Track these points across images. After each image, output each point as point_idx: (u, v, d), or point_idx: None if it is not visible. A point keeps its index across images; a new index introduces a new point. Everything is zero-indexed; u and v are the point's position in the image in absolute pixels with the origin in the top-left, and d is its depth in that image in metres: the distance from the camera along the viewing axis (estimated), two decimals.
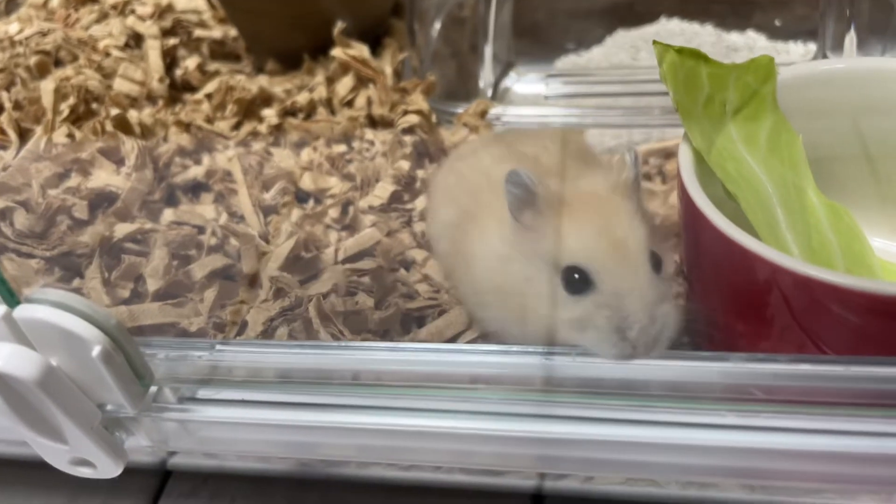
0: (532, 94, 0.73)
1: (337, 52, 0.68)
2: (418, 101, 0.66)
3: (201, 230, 0.59)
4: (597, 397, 0.38)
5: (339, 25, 0.69)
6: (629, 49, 0.84)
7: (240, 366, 0.44)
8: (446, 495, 0.54)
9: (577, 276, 0.40)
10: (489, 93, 0.73)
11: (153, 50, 0.73)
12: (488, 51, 0.72)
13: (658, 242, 0.42)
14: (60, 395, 0.38)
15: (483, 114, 0.66)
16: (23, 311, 0.37)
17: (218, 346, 0.44)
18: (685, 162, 0.45)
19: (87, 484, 0.58)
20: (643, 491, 0.52)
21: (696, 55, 0.47)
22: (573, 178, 0.47)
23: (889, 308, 0.36)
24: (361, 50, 0.70)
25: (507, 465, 0.46)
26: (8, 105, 0.73)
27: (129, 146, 0.61)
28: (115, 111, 0.65)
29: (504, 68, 0.75)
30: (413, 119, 0.62)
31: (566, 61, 0.84)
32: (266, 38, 0.77)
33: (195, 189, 0.64)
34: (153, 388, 0.41)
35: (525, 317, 0.43)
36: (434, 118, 0.66)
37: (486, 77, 0.73)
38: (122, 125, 0.64)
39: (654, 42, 0.46)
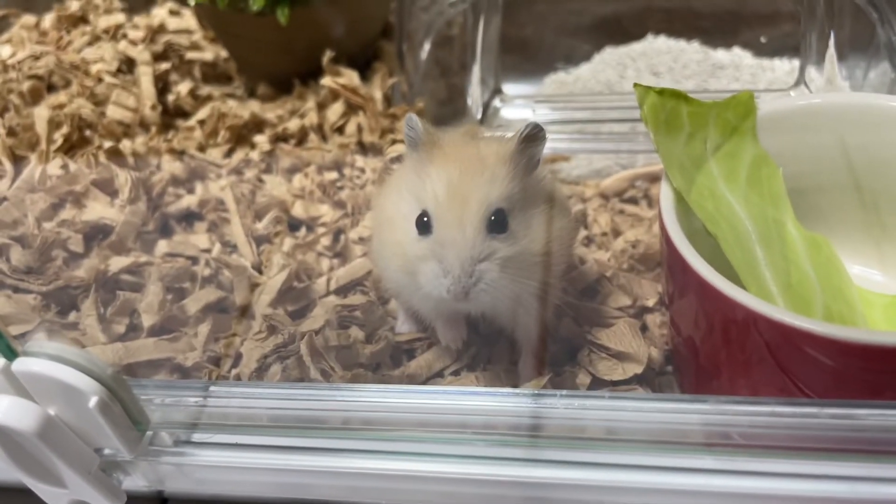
0: (519, 119, 0.74)
1: (326, 80, 0.69)
2: None
3: (195, 261, 0.60)
4: (581, 441, 0.40)
5: (328, 54, 0.70)
6: (616, 66, 0.85)
7: (234, 410, 0.45)
8: None
9: (425, 218, 0.44)
10: (478, 115, 0.74)
11: (145, 76, 0.74)
12: (476, 72, 0.72)
13: (523, 207, 0.44)
14: (59, 443, 0.39)
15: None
16: (21, 365, 0.38)
17: (212, 388, 0.45)
18: (666, 204, 0.46)
19: None
20: None
21: (677, 95, 0.48)
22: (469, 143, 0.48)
23: (862, 353, 0.37)
24: (351, 77, 0.70)
25: None
26: (1, 131, 0.74)
27: (123, 178, 0.61)
28: (108, 142, 0.66)
29: (493, 91, 0.75)
30: (402, 147, 0.63)
31: (554, 79, 0.85)
32: (257, 63, 0.78)
33: (188, 218, 0.65)
34: (149, 433, 0.42)
35: (396, 252, 0.46)
36: None
37: (474, 100, 0.73)
38: (116, 155, 0.64)
39: (636, 85, 0.47)
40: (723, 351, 0.44)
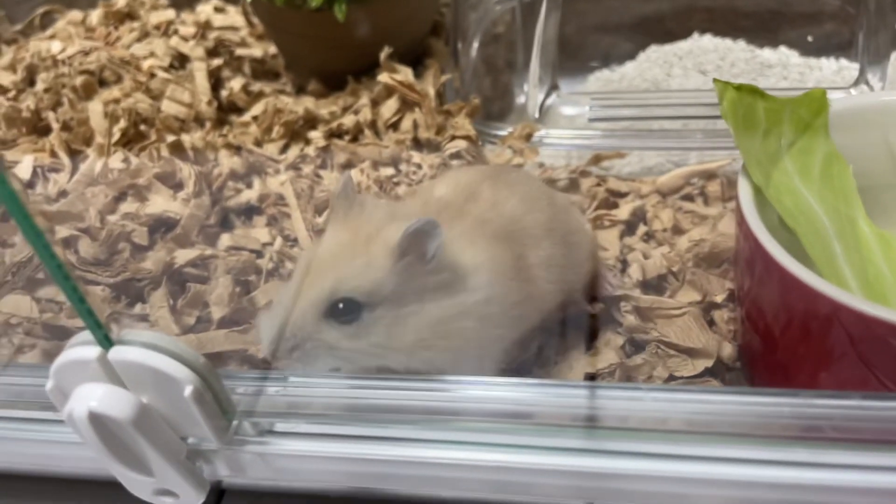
0: (570, 115, 0.74)
1: (383, 76, 0.70)
2: (464, 124, 0.67)
3: (259, 255, 0.60)
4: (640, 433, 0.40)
5: (385, 50, 0.70)
6: (662, 65, 0.85)
7: (314, 399, 0.45)
8: None
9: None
10: (535, 113, 0.74)
11: (200, 72, 0.74)
12: (533, 69, 0.72)
13: (404, 303, 0.43)
14: (151, 431, 0.39)
15: (528, 137, 0.67)
16: (117, 353, 0.38)
17: (291, 378, 0.46)
18: (745, 198, 0.46)
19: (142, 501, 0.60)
20: None
21: (754, 91, 0.48)
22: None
23: None
24: (406, 74, 0.71)
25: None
26: (56, 126, 0.74)
27: (187, 172, 0.62)
28: (170, 136, 0.66)
29: (549, 88, 0.76)
30: (461, 144, 0.64)
31: (598, 77, 0.85)
32: (308, 59, 0.78)
33: (248, 212, 0.65)
34: (234, 422, 0.43)
35: None
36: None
37: (531, 97, 0.74)
38: (178, 150, 0.65)
39: (715, 80, 0.48)
40: (803, 344, 0.44)
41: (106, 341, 0.38)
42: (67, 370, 0.39)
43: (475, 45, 0.78)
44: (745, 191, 0.46)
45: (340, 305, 0.42)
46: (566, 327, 0.53)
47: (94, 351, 0.38)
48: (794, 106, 0.50)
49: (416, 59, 0.78)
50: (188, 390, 0.38)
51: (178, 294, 0.57)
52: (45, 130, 0.76)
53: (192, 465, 0.43)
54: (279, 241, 0.62)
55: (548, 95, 0.75)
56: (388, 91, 0.71)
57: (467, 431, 0.43)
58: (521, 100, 0.80)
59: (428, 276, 0.43)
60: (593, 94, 0.76)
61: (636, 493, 0.42)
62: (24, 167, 0.69)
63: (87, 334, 0.39)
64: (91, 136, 0.73)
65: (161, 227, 0.62)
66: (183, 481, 0.42)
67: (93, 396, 0.38)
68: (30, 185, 0.68)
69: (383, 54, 0.70)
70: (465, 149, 0.63)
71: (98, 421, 0.38)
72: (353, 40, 0.73)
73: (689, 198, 0.66)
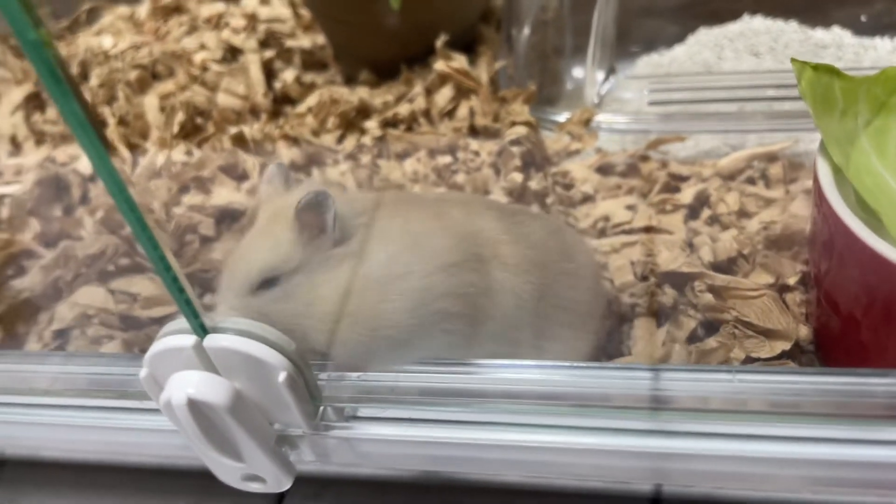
0: (626, 100, 0.74)
1: (440, 64, 0.70)
2: (522, 110, 0.67)
3: None
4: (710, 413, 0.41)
5: (441, 38, 0.70)
6: (713, 47, 0.84)
7: (395, 384, 0.46)
8: (565, 498, 0.56)
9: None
10: (594, 98, 0.73)
11: (254, 64, 0.75)
12: (591, 53, 0.72)
13: (312, 271, 0.43)
14: (244, 417, 0.40)
15: (587, 122, 0.67)
16: (212, 341, 0.39)
17: None
18: (825, 178, 0.45)
19: (213, 487, 0.60)
20: (769, 495, 0.53)
21: (831, 71, 0.48)
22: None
23: None
24: (461, 61, 0.71)
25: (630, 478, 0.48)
26: (112, 120, 0.75)
27: (251, 163, 0.62)
28: (232, 129, 0.67)
29: (607, 72, 0.75)
30: (521, 130, 0.64)
31: (647, 61, 0.84)
32: (359, 49, 0.78)
33: None
34: (321, 408, 0.43)
35: None
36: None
37: (590, 81, 0.73)
38: (240, 142, 0.65)
39: (793, 60, 0.47)
40: (886, 324, 0.44)
41: (201, 329, 0.39)
42: (162, 358, 0.40)
43: (525, 31, 0.78)
44: (824, 171, 0.46)
45: (263, 281, 0.43)
46: (634, 310, 0.53)
47: (189, 339, 0.39)
48: (870, 85, 0.49)
49: (467, 47, 0.78)
50: (282, 376, 0.39)
51: None
52: (101, 125, 0.76)
53: (280, 451, 0.43)
54: None
55: (606, 79, 0.74)
56: (443, 79, 0.72)
57: (539, 415, 0.43)
58: (569, 86, 0.80)
59: (335, 247, 0.43)
60: (651, 77, 0.76)
61: (721, 475, 0.42)
62: (84, 162, 0.70)
63: (180, 323, 0.40)
64: (147, 129, 0.74)
65: (226, 218, 0.62)
66: (272, 466, 0.42)
67: (190, 384, 0.38)
68: (91, 179, 0.69)
69: (439, 42, 0.71)
70: (524, 136, 0.63)
71: (195, 407, 0.38)
72: (406, 28, 0.74)
73: (750, 181, 0.65)
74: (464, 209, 0.48)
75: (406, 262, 0.44)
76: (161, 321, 0.56)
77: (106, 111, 0.77)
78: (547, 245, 0.49)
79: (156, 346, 0.40)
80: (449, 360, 0.48)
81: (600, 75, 0.74)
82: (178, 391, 0.38)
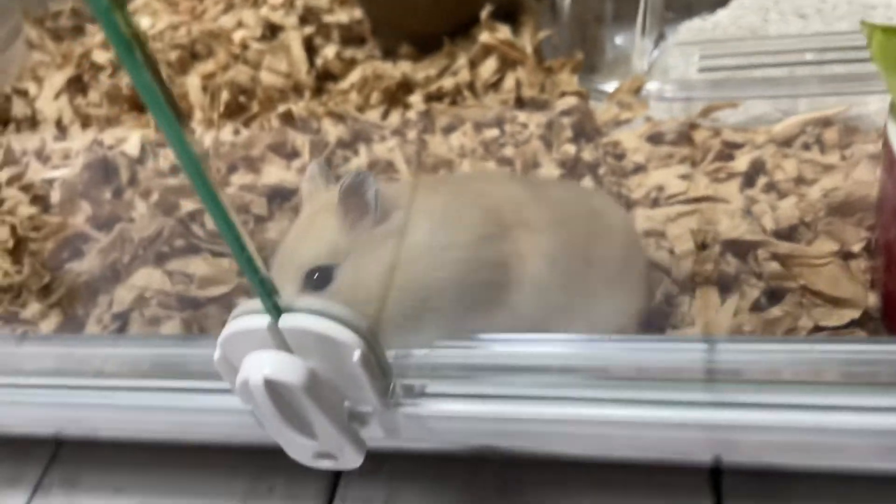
0: (674, 67, 0.72)
1: (484, 36, 0.69)
2: (570, 80, 0.66)
3: None
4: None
5: (487, 9, 0.70)
6: (758, 10, 0.83)
7: (462, 360, 0.46)
8: (621, 470, 0.56)
9: None
10: (644, 66, 0.72)
11: (295, 41, 0.74)
12: (641, 19, 0.71)
13: (362, 254, 0.44)
14: (318, 396, 0.40)
15: (637, 90, 0.66)
16: (287, 321, 0.39)
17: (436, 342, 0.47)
18: None
19: (270, 463, 0.61)
20: (830, 463, 0.53)
21: None
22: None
23: None
24: (506, 32, 0.70)
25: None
26: None
27: (300, 141, 0.62)
28: (279, 107, 0.66)
29: (656, 39, 0.74)
30: (572, 101, 0.63)
31: (689, 26, 0.83)
32: (398, 23, 0.77)
33: None
34: (392, 384, 0.43)
35: None
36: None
37: (639, 49, 0.72)
38: (288, 120, 0.65)
39: (862, 23, 0.46)
40: None
41: (275, 310, 0.39)
42: (236, 340, 0.40)
43: (567, 1, 0.77)
44: (895, 134, 0.45)
45: (316, 276, 0.44)
46: (694, 280, 0.53)
47: (264, 320, 0.39)
48: None
49: (507, 16, 0.77)
50: (356, 355, 0.39)
51: None
52: (144, 107, 0.76)
53: (352, 428, 0.43)
54: None
55: (655, 47, 0.73)
56: (486, 51, 0.71)
57: (602, 388, 0.43)
58: (610, 54, 0.79)
59: (378, 225, 0.44)
60: (699, 43, 0.74)
61: (786, 445, 0.42)
62: (132, 144, 0.70)
63: (252, 304, 0.40)
64: (190, 110, 0.74)
65: (277, 196, 0.62)
66: (345, 443, 0.43)
67: (266, 364, 0.39)
68: (139, 161, 0.70)
69: (484, 13, 0.70)
70: (575, 106, 0.63)
71: (272, 388, 0.39)
72: (446, 1, 0.73)
73: (805, 146, 0.64)
74: (491, 182, 0.49)
75: (446, 234, 0.45)
76: (218, 301, 0.56)
77: None
78: (573, 206, 0.50)
79: (229, 328, 0.40)
80: (512, 336, 0.48)
81: (648, 43, 0.73)
82: (254, 372, 0.38)
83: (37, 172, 0.71)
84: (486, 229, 0.46)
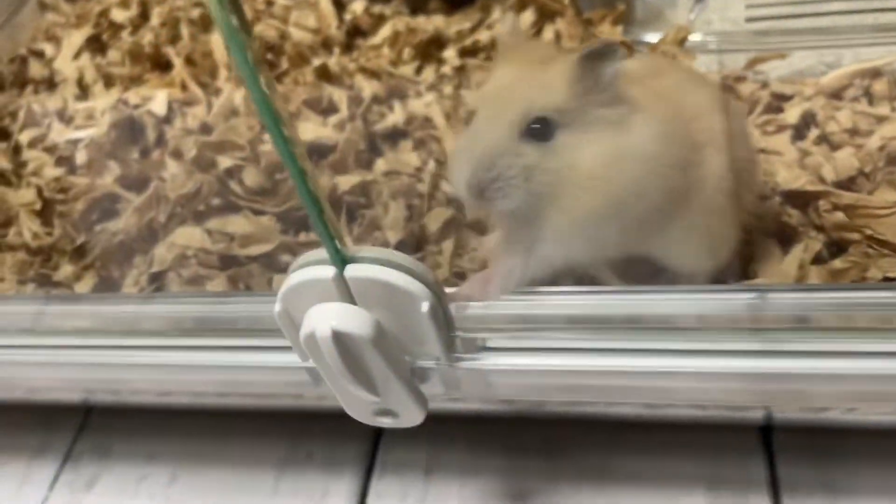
0: (718, 16, 0.70)
1: None
2: (613, 31, 0.64)
3: (417, 179, 0.59)
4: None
5: None
6: None
7: (521, 312, 0.45)
8: (668, 430, 0.55)
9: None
10: (690, 15, 0.70)
11: None
12: None
13: (586, 127, 0.41)
14: (384, 349, 0.39)
15: (682, 42, 0.64)
16: (353, 271, 0.37)
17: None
18: None
19: (308, 423, 0.60)
20: (878, 418, 0.52)
21: None
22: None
23: None
24: None
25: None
26: (178, 60, 0.73)
27: (338, 96, 0.60)
28: (313, 61, 0.64)
29: None
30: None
31: None
32: None
33: (393, 137, 0.64)
34: (455, 339, 0.42)
35: None
36: None
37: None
38: (324, 75, 0.63)
39: None
40: None
41: (340, 260, 0.37)
42: (298, 292, 0.38)
43: None
44: None
45: (537, 125, 0.41)
46: (755, 233, 0.51)
47: (329, 270, 0.37)
48: None
49: None
50: (425, 306, 0.37)
51: (343, 219, 0.56)
52: (166, 66, 0.74)
53: (415, 383, 0.42)
54: (432, 164, 0.60)
55: None
56: (523, 3, 0.68)
57: (663, 339, 0.42)
58: (641, 4, 0.77)
59: (603, 107, 0.41)
60: None
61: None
62: (158, 102, 0.68)
63: (314, 254, 0.38)
64: (216, 68, 0.72)
65: (313, 153, 0.60)
66: (409, 399, 0.41)
67: (333, 316, 0.37)
68: (167, 120, 0.67)
69: None
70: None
71: (339, 340, 0.37)
72: None
73: (854, 98, 0.62)
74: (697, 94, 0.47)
75: (666, 145, 0.42)
76: (259, 259, 0.55)
77: (171, 51, 0.74)
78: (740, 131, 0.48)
79: (291, 280, 0.38)
80: (570, 288, 0.47)
81: None
82: (321, 324, 0.37)
83: (60, 134, 0.69)
84: (693, 153, 0.43)
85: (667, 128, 0.42)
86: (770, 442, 0.54)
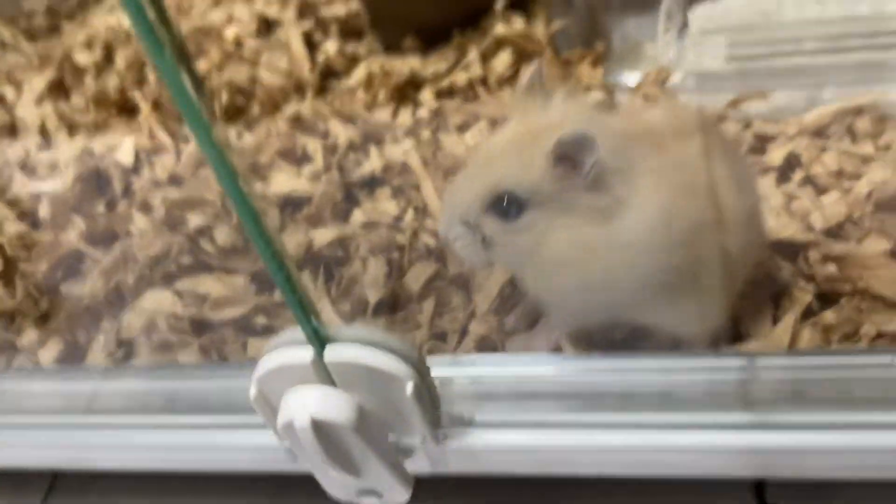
0: (698, 55, 0.69)
1: (500, 28, 0.65)
2: (594, 74, 0.63)
3: (397, 230, 0.57)
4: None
5: (502, 1, 0.66)
6: None
7: (507, 386, 0.43)
8: (664, 488, 0.53)
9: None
10: (669, 56, 0.69)
11: (295, 37, 0.70)
12: (665, 7, 0.67)
13: (562, 212, 0.40)
14: (367, 432, 0.37)
15: (664, 82, 0.63)
16: (333, 354, 0.35)
17: (481, 365, 0.44)
18: None
19: (288, 486, 0.57)
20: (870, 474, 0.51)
21: None
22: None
23: None
24: (520, 23, 0.66)
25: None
26: (144, 105, 0.71)
27: (312, 146, 0.58)
28: (285, 107, 0.62)
29: (679, 28, 0.71)
30: (598, 95, 0.60)
31: (699, 14, 0.79)
32: (403, 15, 0.73)
33: (370, 184, 0.62)
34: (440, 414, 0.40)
35: None
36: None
37: (661, 39, 0.69)
38: (296, 122, 0.61)
39: None
40: None
41: (318, 340, 0.35)
42: (274, 375, 0.36)
43: None
44: None
45: (505, 201, 0.40)
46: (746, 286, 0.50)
47: (307, 353, 0.35)
48: None
49: (514, 6, 0.73)
50: (410, 388, 0.35)
51: (317, 277, 0.54)
52: (132, 110, 0.72)
53: (399, 463, 0.40)
54: (410, 213, 0.59)
55: (679, 36, 0.70)
56: (499, 43, 0.67)
57: (659, 412, 0.41)
58: (618, 44, 0.76)
59: (584, 192, 0.40)
60: (722, 30, 0.71)
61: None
62: (125, 151, 0.65)
63: (290, 335, 0.36)
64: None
65: (287, 206, 0.58)
66: (392, 480, 0.39)
67: (312, 402, 0.35)
68: (134, 169, 0.65)
69: (499, 3, 0.66)
70: (602, 101, 0.59)
71: (319, 428, 0.35)
72: None
73: (836, 136, 0.62)
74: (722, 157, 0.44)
75: (655, 233, 0.40)
76: (234, 323, 0.52)
77: (136, 95, 0.72)
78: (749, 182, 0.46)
79: (267, 363, 0.36)
80: (560, 357, 0.45)
81: (672, 32, 0.70)
82: (300, 412, 0.35)
83: (23, 185, 0.67)
84: (694, 235, 0.41)
85: (662, 215, 0.40)
86: (763, 492, 0.52)
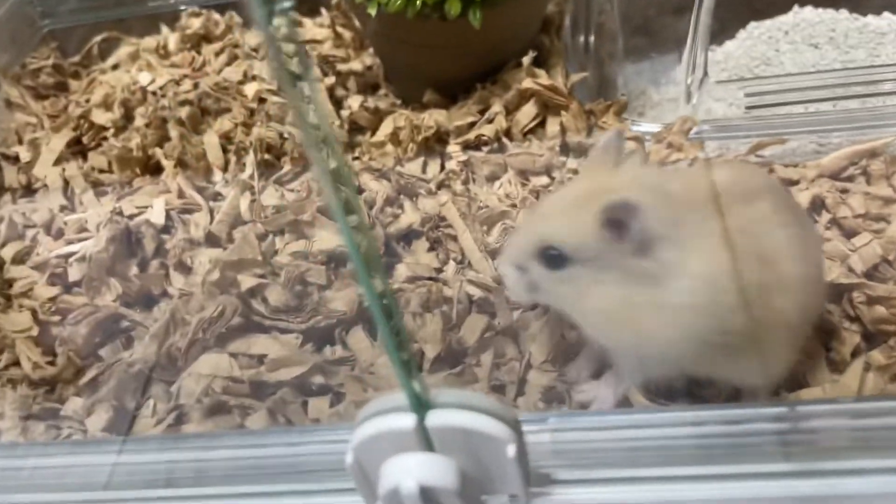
0: (713, 105, 0.72)
1: (527, 81, 0.67)
2: (614, 122, 0.65)
3: (440, 282, 0.57)
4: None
5: (529, 55, 0.68)
6: (768, 41, 0.83)
7: (587, 444, 0.44)
8: None
9: None
10: (688, 104, 0.71)
11: (321, 94, 0.71)
12: (688, 55, 0.70)
13: (604, 273, 0.43)
14: (468, 496, 0.37)
15: (688, 131, 0.65)
16: (436, 419, 0.36)
17: (551, 420, 0.44)
18: None
19: None
20: None
21: None
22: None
23: None
24: (544, 76, 0.68)
25: None
26: (167, 162, 0.70)
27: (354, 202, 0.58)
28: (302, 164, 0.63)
29: (701, 78, 0.73)
30: (631, 145, 0.61)
31: (712, 62, 0.83)
32: (423, 69, 0.74)
33: (407, 237, 0.62)
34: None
35: None
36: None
37: (685, 86, 0.71)
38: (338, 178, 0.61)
39: None
40: None
41: (418, 406, 0.36)
42: (373, 442, 0.36)
43: (591, 38, 0.76)
44: None
45: (551, 252, 0.44)
46: None
47: (409, 419, 0.35)
48: None
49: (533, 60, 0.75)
50: (512, 450, 0.36)
51: (373, 332, 0.54)
52: (156, 168, 0.72)
53: None
54: (452, 265, 0.59)
55: (700, 85, 0.73)
56: (522, 96, 0.69)
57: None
58: (632, 93, 0.79)
59: (630, 255, 0.42)
60: (745, 80, 0.74)
61: None
62: (156, 212, 0.65)
63: (390, 400, 0.36)
64: (209, 170, 0.69)
65: (332, 262, 0.59)
66: None
67: (417, 469, 0.35)
68: (165, 230, 0.65)
69: (527, 59, 0.68)
70: (633, 151, 0.61)
71: (427, 495, 0.35)
72: (474, 46, 0.70)
73: (849, 179, 0.64)
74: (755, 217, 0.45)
75: (700, 298, 0.42)
76: (292, 384, 0.52)
77: (158, 153, 0.72)
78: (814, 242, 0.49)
79: (365, 429, 0.36)
80: (636, 413, 0.46)
81: (695, 80, 0.72)
82: (406, 480, 0.35)
83: (48, 248, 0.66)
84: (752, 299, 0.42)
85: (708, 281, 0.42)
86: None
